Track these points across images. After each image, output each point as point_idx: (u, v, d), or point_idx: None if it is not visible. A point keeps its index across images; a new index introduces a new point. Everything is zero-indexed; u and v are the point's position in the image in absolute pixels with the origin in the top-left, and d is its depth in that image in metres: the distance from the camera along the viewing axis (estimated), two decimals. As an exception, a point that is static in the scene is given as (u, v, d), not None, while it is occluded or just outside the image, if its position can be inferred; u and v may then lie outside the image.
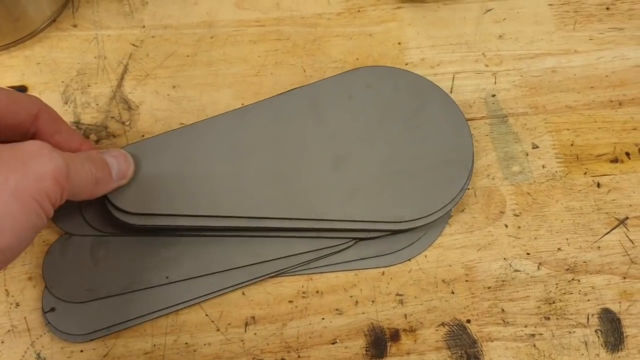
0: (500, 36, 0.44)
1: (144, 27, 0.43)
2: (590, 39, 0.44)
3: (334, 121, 0.37)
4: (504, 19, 0.45)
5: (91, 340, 0.34)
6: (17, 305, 0.35)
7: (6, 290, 0.35)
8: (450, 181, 0.36)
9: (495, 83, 0.42)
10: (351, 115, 0.37)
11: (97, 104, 0.40)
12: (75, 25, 0.43)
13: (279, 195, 0.35)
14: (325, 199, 0.35)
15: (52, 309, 0.34)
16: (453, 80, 0.42)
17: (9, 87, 0.40)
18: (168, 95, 0.41)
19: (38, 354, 0.33)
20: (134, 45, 0.42)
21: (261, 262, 0.36)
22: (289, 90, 0.38)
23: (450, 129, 0.37)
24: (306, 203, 0.35)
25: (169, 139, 0.36)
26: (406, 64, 0.43)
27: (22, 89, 0.40)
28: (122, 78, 0.41)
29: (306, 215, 0.35)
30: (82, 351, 0.34)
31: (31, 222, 0.24)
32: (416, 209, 0.35)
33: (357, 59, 0.43)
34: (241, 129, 0.37)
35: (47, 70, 0.41)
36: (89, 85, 0.41)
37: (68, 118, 0.40)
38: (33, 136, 0.30)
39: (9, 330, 0.34)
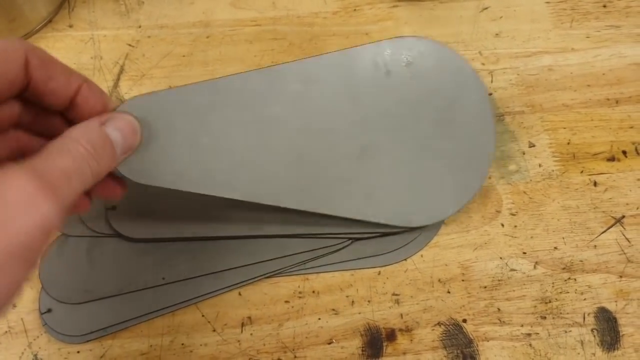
0: (496, 34, 0.44)
1: (140, 27, 0.43)
2: (587, 37, 0.44)
3: (367, 100, 0.34)
4: (501, 17, 0.45)
5: (88, 341, 0.34)
6: (14, 306, 0.35)
7: (3, 291, 0.35)
8: (464, 188, 0.35)
9: (492, 81, 0.42)
10: (386, 96, 0.34)
11: (93, 105, 0.40)
12: (71, 26, 0.43)
13: (297, 182, 0.33)
14: (344, 194, 0.34)
15: (49, 310, 0.34)
16: (449, 79, 0.42)
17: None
18: (164, 95, 0.41)
19: (35, 355, 0.34)
20: (130, 45, 0.42)
21: (257, 263, 0.36)
22: (323, 54, 0.34)
23: (477, 131, 0.35)
24: (325, 195, 0.34)
25: (186, 94, 0.31)
26: (402, 63, 0.42)
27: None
28: (118, 78, 0.41)
29: (324, 209, 0.34)
30: (78, 352, 0.34)
31: (16, 280, 0.22)
32: (428, 215, 0.35)
33: (354, 58, 0.43)
34: (266, 94, 0.33)
35: (43, 71, 0.41)
36: (85, 86, 0.41)
37: (64, 119, 0.40)
38: (26, 88, 0.26)
39: (5, 332, 0.34)
